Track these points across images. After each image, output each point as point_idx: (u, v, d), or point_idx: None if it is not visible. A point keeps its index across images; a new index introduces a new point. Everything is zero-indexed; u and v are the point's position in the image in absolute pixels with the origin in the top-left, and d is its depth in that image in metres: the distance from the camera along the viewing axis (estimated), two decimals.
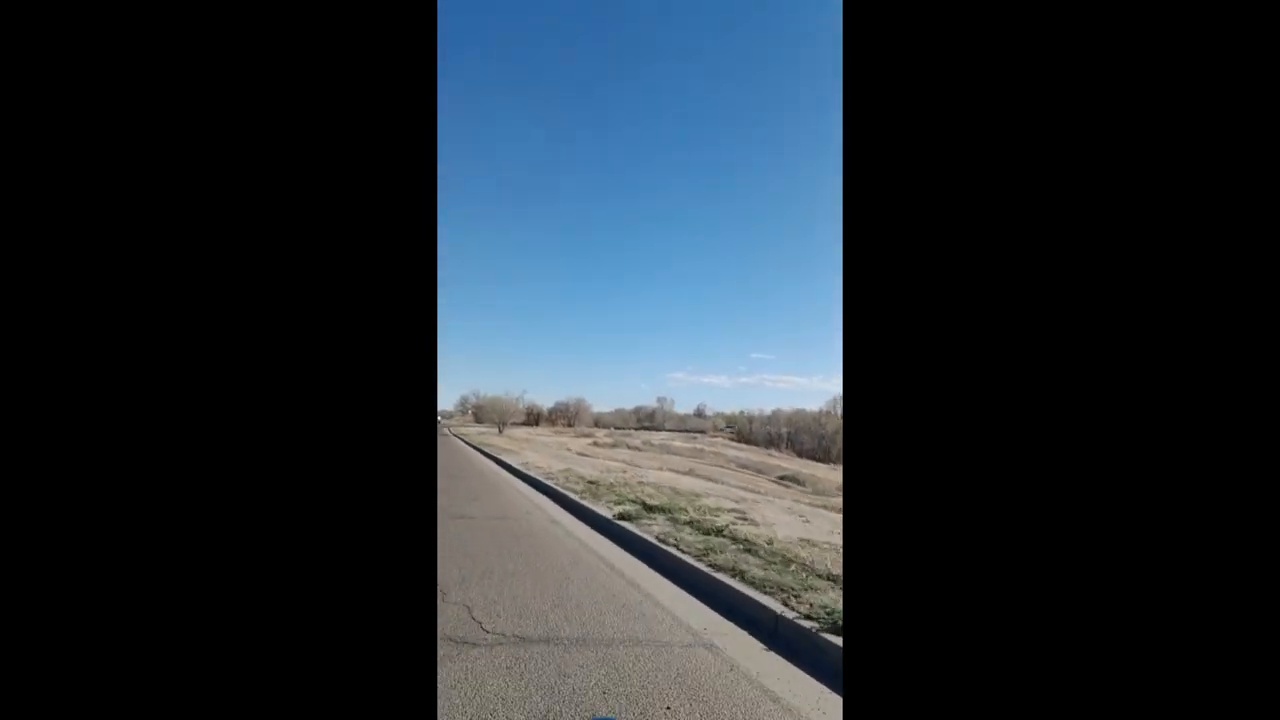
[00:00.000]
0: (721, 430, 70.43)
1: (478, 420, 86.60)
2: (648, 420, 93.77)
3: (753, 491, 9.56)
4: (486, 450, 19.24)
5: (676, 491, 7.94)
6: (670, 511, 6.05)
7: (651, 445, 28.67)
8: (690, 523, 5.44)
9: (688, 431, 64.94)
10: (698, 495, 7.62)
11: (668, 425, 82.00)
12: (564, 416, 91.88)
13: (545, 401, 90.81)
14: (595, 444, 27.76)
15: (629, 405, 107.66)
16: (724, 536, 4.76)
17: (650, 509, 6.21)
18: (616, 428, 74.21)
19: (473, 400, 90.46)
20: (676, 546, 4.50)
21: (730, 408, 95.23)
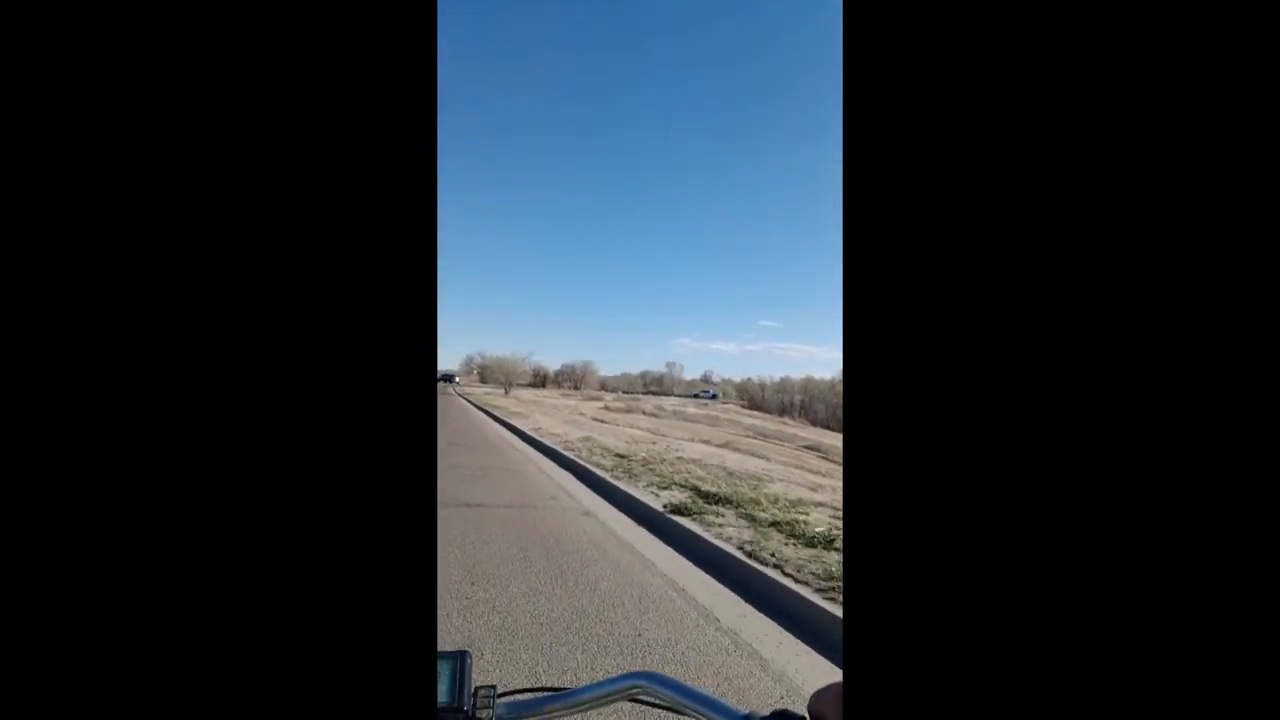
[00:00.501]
0: (729, 397, 69.32)
1: (483, 380, 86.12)
2: (655, 385, 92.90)
3: (814, 473, 8.14)
4: (494, 412, 17.96)
5: (729, 472, 6.56)
6: (736, 503, 4.67)
7: (664, 411, 27.44)
8: (775, 524, 4.06)
9: (696, 397, 63.89)
10: (757, 479, 6.22)
11: (676, 390, 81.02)
12: (570, 379, 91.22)
13: (551, 364, 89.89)
14: (607, 408, 26.49)
15: (635, 370, 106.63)
16: (837, 549, 3.39)
17: (708, 498, 4.85)
18: (625, 392, 73.24)
19: (478, 360, 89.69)
20: (779, 567, 3.11)
21: (737, 375, 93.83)
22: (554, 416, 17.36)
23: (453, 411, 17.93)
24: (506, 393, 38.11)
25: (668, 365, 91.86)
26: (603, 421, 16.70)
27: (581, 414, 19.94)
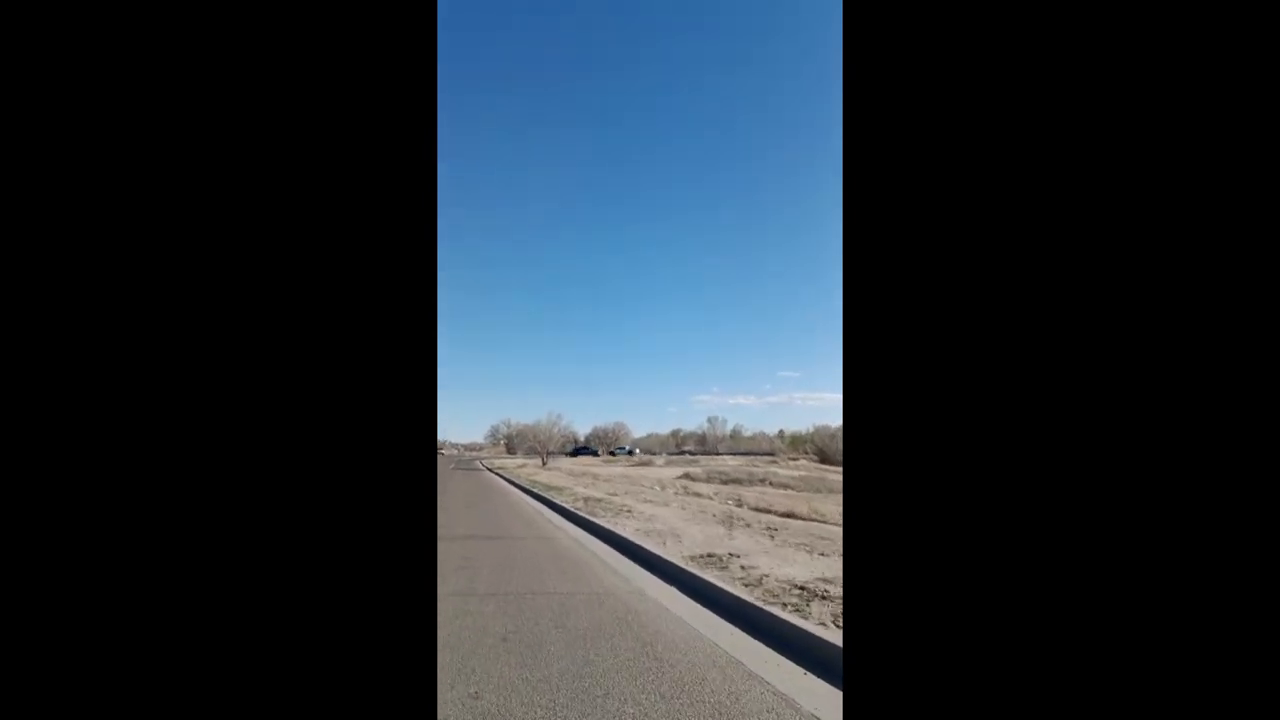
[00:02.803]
0: (783, 450, 61.54)
1: (510, 451, 79.73)
2: (694, 444, 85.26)
3: None
4: (554, 501, 11.07)
5: None
6: None
7: (755, 477, 20.49)
8: None
9: (749, 454, 56.28)
10: None
11: (721, 448, 73.30)
12: (604, 442, 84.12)
13: (581, 428, 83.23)
14: (688, 477, 19.76)
15: (662, 429, 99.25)
16: None
17: None
18: (673, 452, 65.84)
19: (504, 430, 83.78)
20: None
21: (762, 428, 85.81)
22: (661, 503, 10.51)
23: (482, 517, 10.85)
24: (544, 464, 31.34)
25: (709, 421, 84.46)
26: (743, 513, 9.71)
27: (688, 492, 13.11)
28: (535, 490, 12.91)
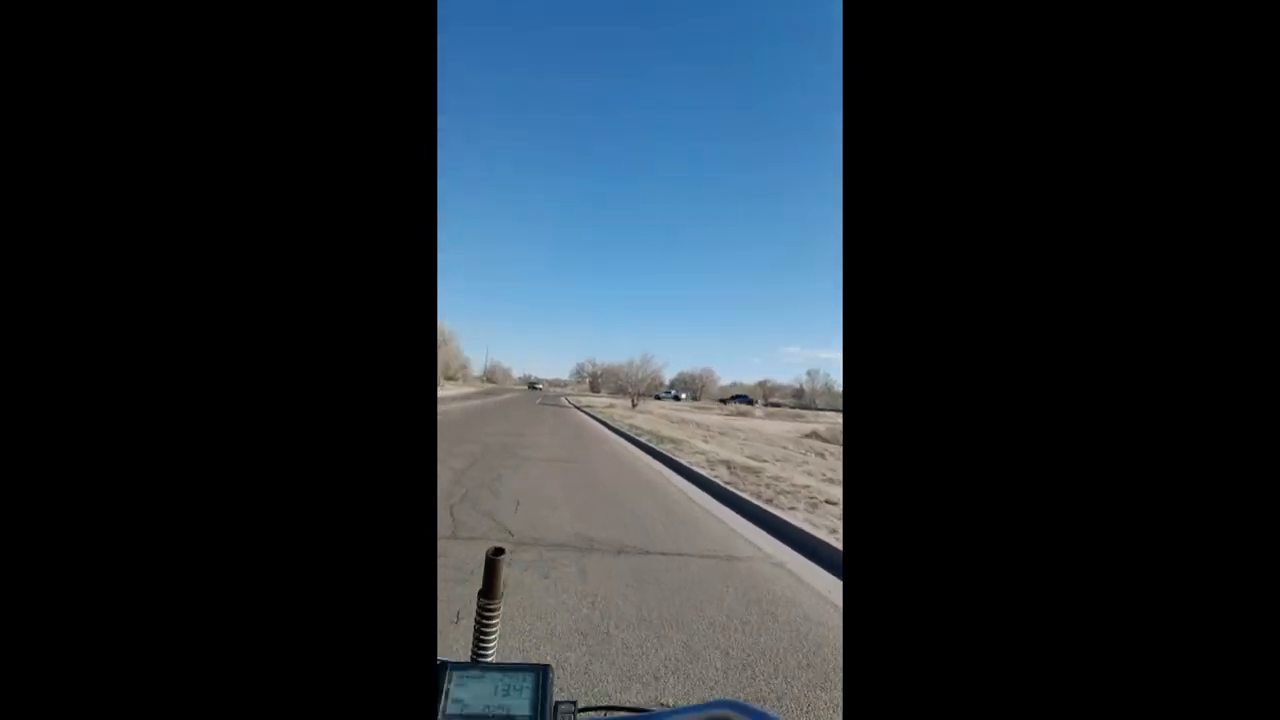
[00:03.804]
0: None
1: (593, 390, 79.81)
2: (782, 396, 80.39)
3: None
4: (681, 463, 8.00)
5: None
6: None
7: None
8: None
9: None
10: None
11: (819, 403, 68.12)
12: (689, 389, 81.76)
13: (666, 373, 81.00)
14: (816, 436, 16.31)
15: (748, 379, 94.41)
16: None
17: None
18: (768, 404, 62.05)
19: (589, 368, 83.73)
20: None
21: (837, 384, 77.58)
22: (834, 480, 7.18)
23: (593, 465, 7.74)
24: (634, 405, 29.07)
25: (809, 374, 78.46)
26: None
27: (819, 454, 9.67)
28: (641, 440, 10.13)
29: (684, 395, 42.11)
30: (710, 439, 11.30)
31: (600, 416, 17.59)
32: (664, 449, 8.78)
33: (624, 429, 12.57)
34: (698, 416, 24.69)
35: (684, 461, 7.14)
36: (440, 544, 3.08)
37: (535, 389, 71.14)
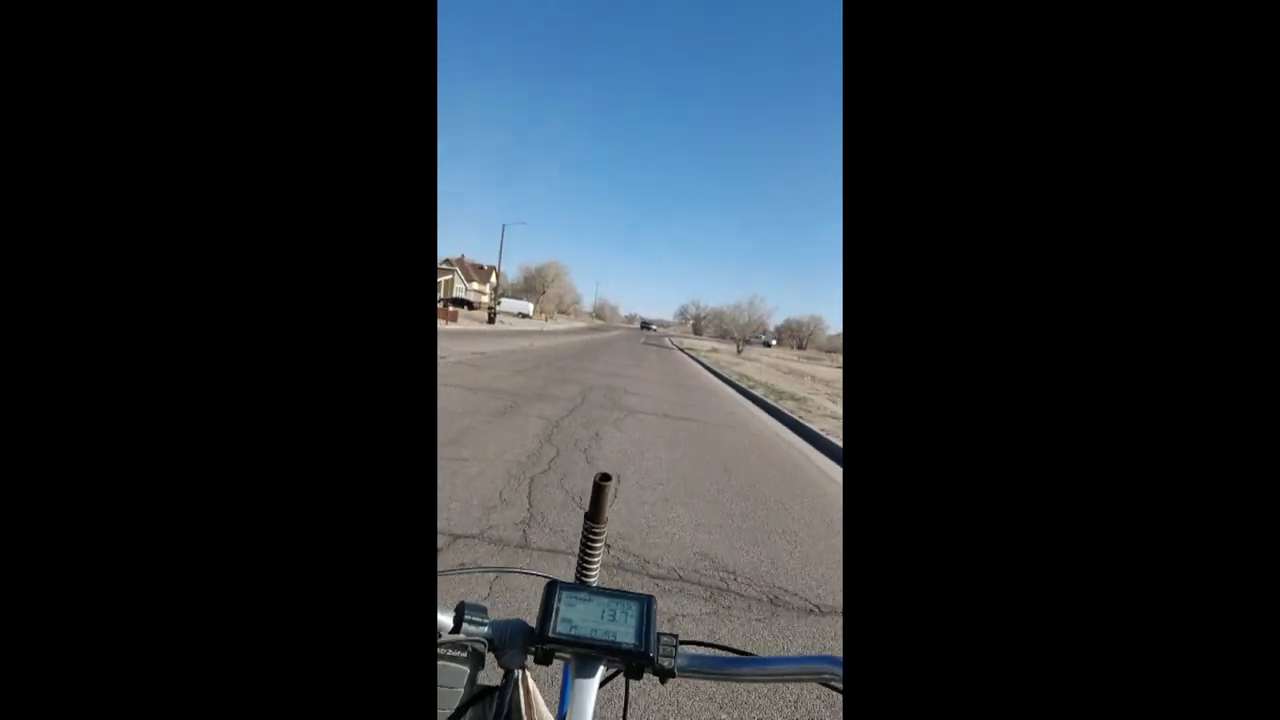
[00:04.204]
0: None
1: (696, 332, 78.58)
2: None
3: None
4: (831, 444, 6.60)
5: None
6: None
7: None
8: None
9: None
10: None
11: None
12: (794, 336, 77.64)
13: (773, 318, 77.13)
14: None
15: None
16: None
17: None
18: None
19: (693, 310, 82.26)
20: None
21: None
22: None
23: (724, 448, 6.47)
24: (739, 351, 27.50)
25: None
26: None
27: None
28: (756, 394, 8.74)
29: (773, 342, 39.34)
30: (836, 398, 9.70)
31: (706, 362, 16.40)
32: (785, 407, 7.43)
33: (733, 378, 11.29)
34: (807, 367, 22.65)
35: (817, 429, 5.79)
36: (510, 556, 2.11)
37: (648, 329, 71.28)
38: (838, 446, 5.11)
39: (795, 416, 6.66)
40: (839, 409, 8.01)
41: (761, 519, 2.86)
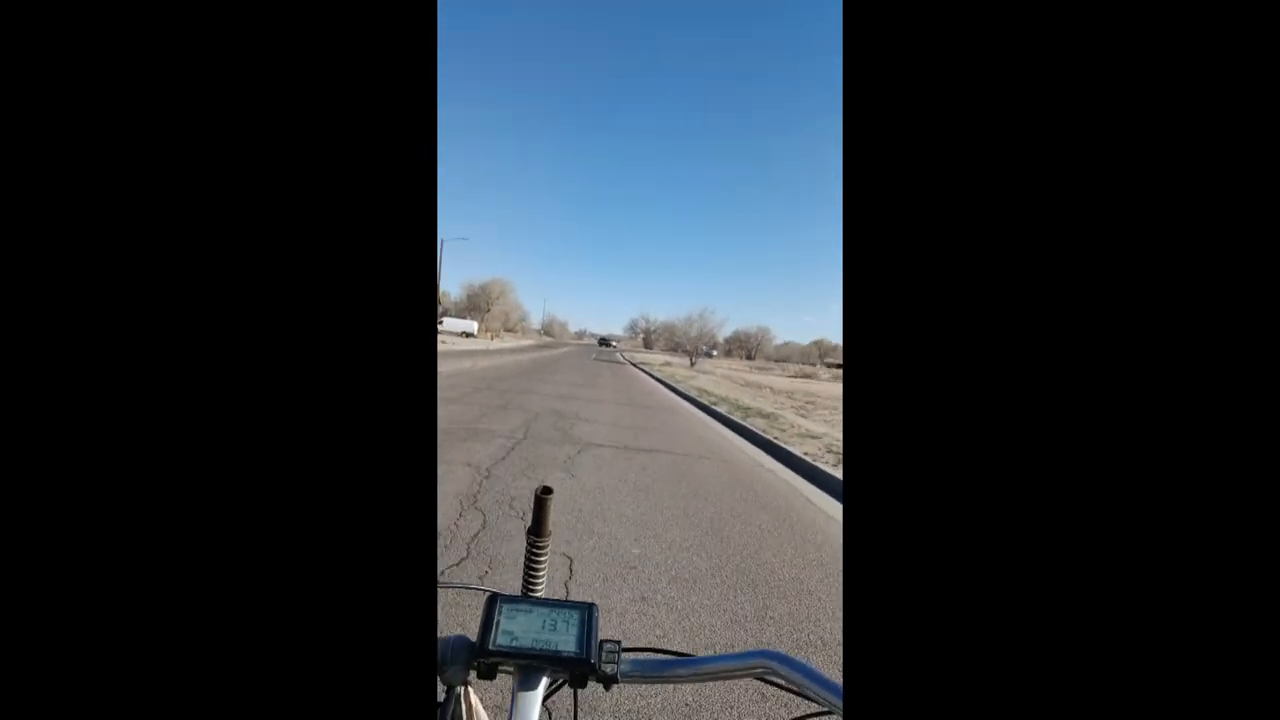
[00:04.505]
0: None
1: (647, 346, 78.25)
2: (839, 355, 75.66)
3: None
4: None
5: None
6: None
7: None
8: None
9: None
10: None
11: None
12: (743, 347, 78.77)
13: (724, 329, 77.91)
14: None
15: (803, 339, 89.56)
16: None
17: None
18: (830, 363, 58.35)
19: (643, 324, 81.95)
20: None
21: None
22: None
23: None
24: (692, 364, 27.01)
25: None
26: None
27: None
28: (719, 410, 7.93)
29: (714, 353, 39.15)
30: (804, 411, 9.10)
31: (661, 376, 15.63)
32: (754, 426, 6.68)
33: (692, 394, 10.53)
34: (761, 378, 22.38)
35: (799, 454, 5.04)
36: None
37: (607, 345, 68.83)
38: (826, 474, 4.36)
39: (769, 437, 5.90)
40: (811, 425, 7.35)
41: (784, 615, 2.00)
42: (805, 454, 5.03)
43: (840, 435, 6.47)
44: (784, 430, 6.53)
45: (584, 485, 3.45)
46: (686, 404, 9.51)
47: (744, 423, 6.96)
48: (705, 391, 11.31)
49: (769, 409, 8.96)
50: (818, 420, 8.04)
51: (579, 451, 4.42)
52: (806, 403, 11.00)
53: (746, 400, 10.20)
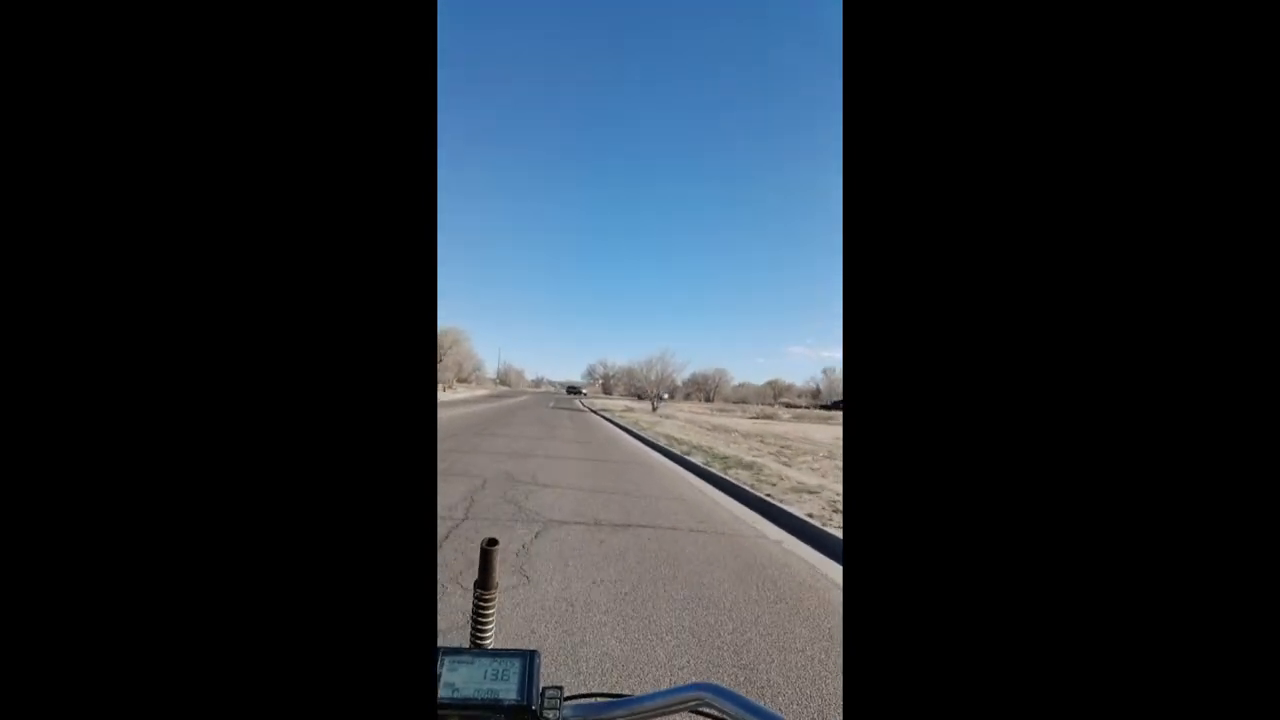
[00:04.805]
0: None
1: (606, 391, 77.21)
2: (795, 397, 77.05)
3: None
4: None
5: None
6: None
7: None
8: None
9: None
10: None
11: (838, 402, 64.64)
12: (701, 390, 78.93)
13: (684, 372, 77.91)
14: None
15: (757, 379, 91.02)
16: None
17: None
18: (786, 404, 58.64)
19: (601, 370, 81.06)
20: None
21: None
22: None
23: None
24: (654, 409, 26.17)
25: (825, 373, 74.65)
26: None
27: None
28: (693, 460, 7.02)
29: (666, 395, 38.17)
30: (785, 458, 8.33)
31: (624, 424, 14.62)
32: (740, 480, 5.82)
33: (661, 443, 9.61)
34: (725, 420, 21.73)
35: (801, 515, 4.20)
36: None
37: (577, 393, 63.93)
38: (824, 532, 3.53)
39: (760, 494, 5.05)
40: (801, 475, 6.56)
41: None
42: (809, 516, 4.19)
43: (839, 489, 5.70)
44: (773, 485, 5.70)
45: (544, 598, 2.45)
46: (657, 455, 8.58)
47: (726, 476, 6.09)
48: (675, 439, 10.43)
49: (747, 457, 8.15)
50: (803, 469, 7.27)
51: (536, 535, 3.42)
52: (782, 448, 10.28)
53: (721, 447, 9.38)
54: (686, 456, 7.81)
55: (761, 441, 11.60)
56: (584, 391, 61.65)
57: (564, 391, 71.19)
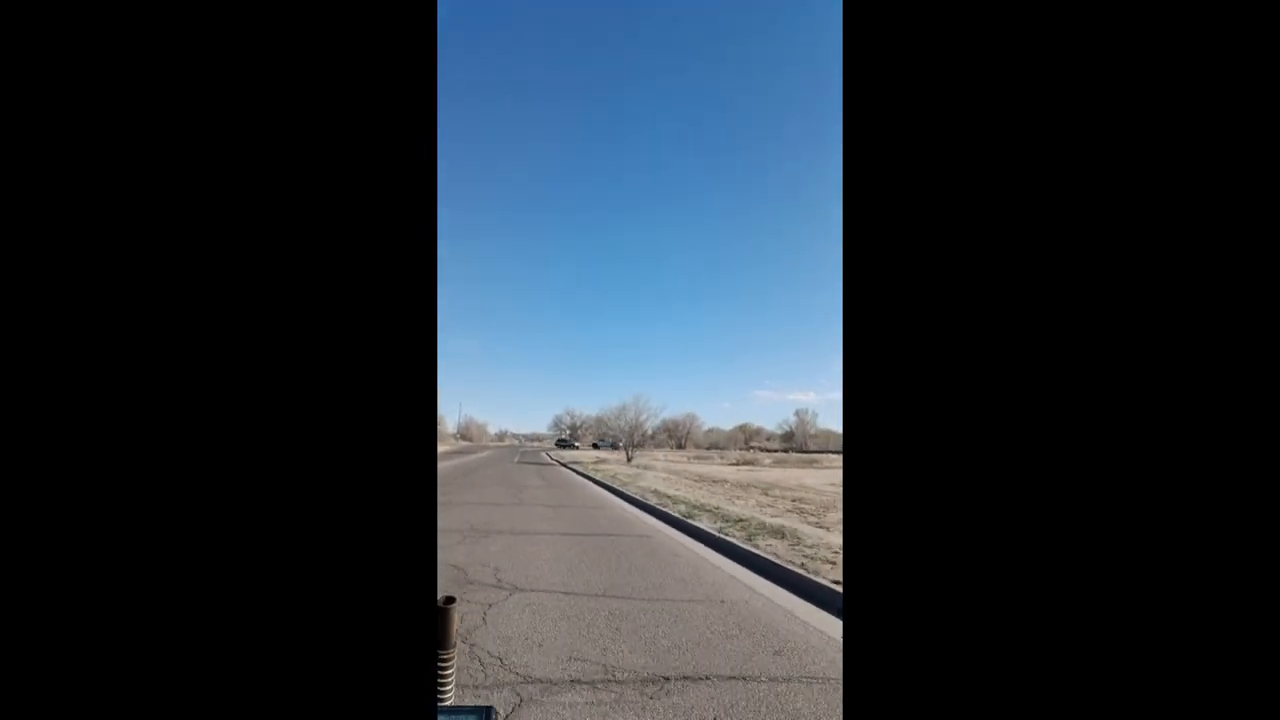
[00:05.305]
0: None
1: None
2: (766, 440, 76.31)
3: None
4: None
5: None
6: None
7: None
8: None
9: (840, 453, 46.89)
10: None
11: (811, 445, 63.95)
12: (673, 436, 77.29)
13: (656, 418, 76.17)
14: None
15: (725, 425, 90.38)
16: None
17: None
18: (759, 448, 57.39)
19: (567, 420, 78.59)
20: None
21: (829, 424, 73.94)
22: None
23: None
24: (629, 459, 24.42)
25: (797, 414, 74.35)
26: None
27: None
28: (701, 526, 5.41)
29: (619, 444, 36.19)
30: (811, 516, 6.83)
31: (602, 479, 12.86)
32: (775, 554, 4.27)
33: (652, 501, 7.99)
34: (707, 469, 20.19)
35: None
36: None
37: (569, 446, 56.83)
38: None
39: (822, 580, 3.53)
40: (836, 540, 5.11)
41: None
42: None
43: None
44: (831, 563, 4.19)
45: None
46: (653, 519, 6.94)
47: (759, 552, 4.54)
48: (666, 497, 8.80)
49: (766, 518, 6.61)
50: (830, 531, 5.78)
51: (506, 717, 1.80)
52: (795, 501, 8.80)
53: (725, 505, 7.82)
54: (688, 520, 6.23)
55: (764, 494, 10.09)
56: (578, 445, 56.99)
57: (529, 445, 66.50)
